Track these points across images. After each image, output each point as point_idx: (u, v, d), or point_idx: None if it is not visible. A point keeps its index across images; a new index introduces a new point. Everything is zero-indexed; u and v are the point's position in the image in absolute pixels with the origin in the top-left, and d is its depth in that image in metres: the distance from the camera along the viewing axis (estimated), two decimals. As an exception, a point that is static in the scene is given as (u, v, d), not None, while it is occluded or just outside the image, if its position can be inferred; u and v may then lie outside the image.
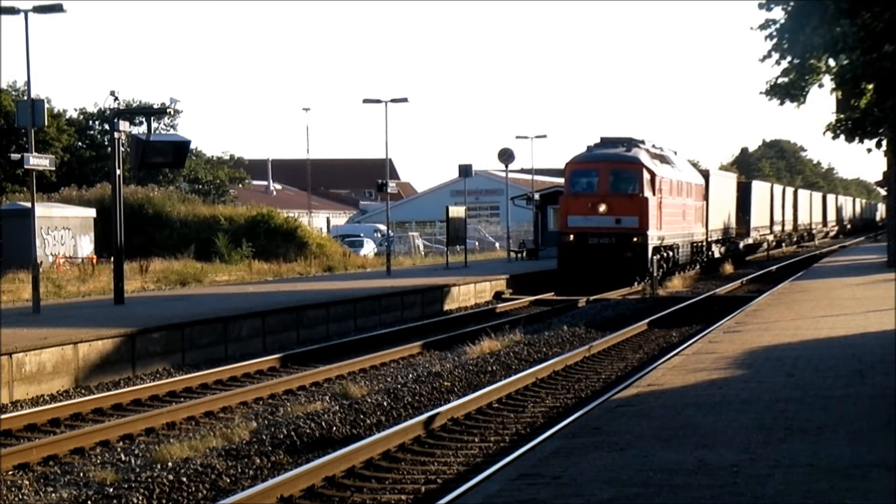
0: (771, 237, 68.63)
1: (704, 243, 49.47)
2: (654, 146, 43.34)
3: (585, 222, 38.87)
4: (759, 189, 65.92)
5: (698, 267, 48.21)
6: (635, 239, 38.56)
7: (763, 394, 13.81)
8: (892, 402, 12.78)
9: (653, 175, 39.90)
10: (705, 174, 51.59)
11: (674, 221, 42.86)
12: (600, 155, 40.43)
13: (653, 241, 39.40)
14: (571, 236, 38.91)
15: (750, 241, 61.28)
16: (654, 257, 40.13)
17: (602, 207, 38.73)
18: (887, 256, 41.90)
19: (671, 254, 42.65)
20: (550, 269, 41.06)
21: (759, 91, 18.31)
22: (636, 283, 39.02)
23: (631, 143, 41.29)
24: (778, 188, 74.06)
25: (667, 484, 9.41)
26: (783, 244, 73.85)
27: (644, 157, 40.20)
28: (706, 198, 49.49)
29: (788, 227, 76.29)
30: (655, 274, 39.03)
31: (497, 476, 10.79)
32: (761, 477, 9.49)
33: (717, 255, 52.24)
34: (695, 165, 58.07)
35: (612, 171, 39.39)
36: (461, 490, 11.10)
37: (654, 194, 39.78)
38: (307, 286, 35.14)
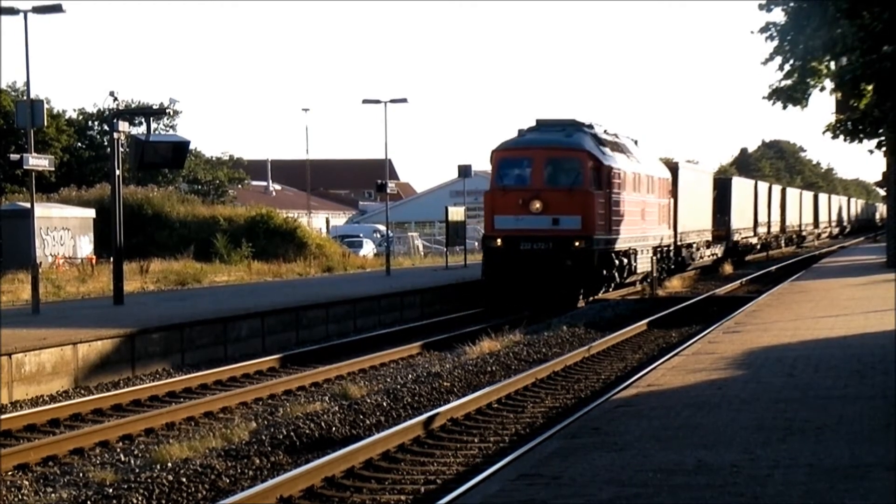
0: (755, 240, 62.18)
1: (672, 248, 42.43)
2: (605, 131, 36.18)
3: (516, 224, 31.93)
4: (741, 186, 58.93)
5: (665, 275, 41.51)
6: (577, 244, 31.62)
7: (763, 394, 13.81)
8: (892, 402, 12.79)
9: (600, 165, 33.04)
10: (673, 167, 44.51)
11: (629, 222, 35.57)
12: (534, 140, 33.30)
13: (600, 247, 32.65)
14: (499, 241, 32.06)
15: (730, 244, 54.48)
16: (654, 256, 38.85)
17: (536, 205, 31.84)
18: (887, 257, 41.93)
19: (626, 261, 35.43)
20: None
21: (761, 96, 18.35)
22: (580, 301, 32.68)
23: (574, 126, 34.19)
24: (763, 186, 66.33)
25: (666, 484, 9.41)
26: (771, 248, 67.98)
27: (589, 144, 33.27)
28: (674, 195, 42.64)
29: (776, 228, 69.02)
30: (654, 274, 38.59)
31: (497, 476, 10.78)
32: (761, 477, 9.49)
33: (689, 261, 45.66)
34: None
35: (549, 161, 32.57)
36: (461, 490, 11.08)
37: (601, 189, 33.02)
38: (305, 291, 35.10)
